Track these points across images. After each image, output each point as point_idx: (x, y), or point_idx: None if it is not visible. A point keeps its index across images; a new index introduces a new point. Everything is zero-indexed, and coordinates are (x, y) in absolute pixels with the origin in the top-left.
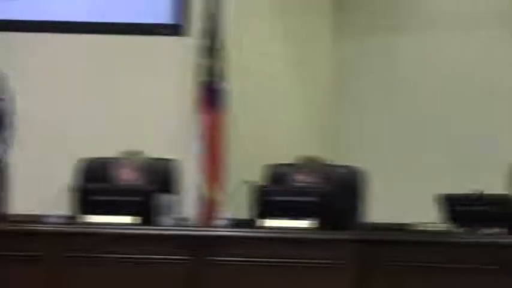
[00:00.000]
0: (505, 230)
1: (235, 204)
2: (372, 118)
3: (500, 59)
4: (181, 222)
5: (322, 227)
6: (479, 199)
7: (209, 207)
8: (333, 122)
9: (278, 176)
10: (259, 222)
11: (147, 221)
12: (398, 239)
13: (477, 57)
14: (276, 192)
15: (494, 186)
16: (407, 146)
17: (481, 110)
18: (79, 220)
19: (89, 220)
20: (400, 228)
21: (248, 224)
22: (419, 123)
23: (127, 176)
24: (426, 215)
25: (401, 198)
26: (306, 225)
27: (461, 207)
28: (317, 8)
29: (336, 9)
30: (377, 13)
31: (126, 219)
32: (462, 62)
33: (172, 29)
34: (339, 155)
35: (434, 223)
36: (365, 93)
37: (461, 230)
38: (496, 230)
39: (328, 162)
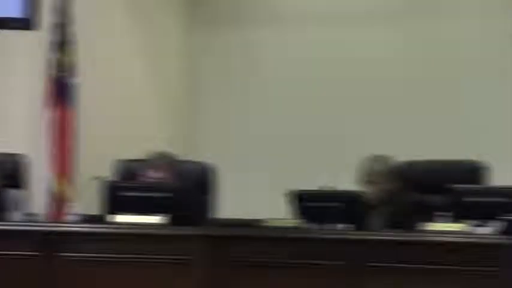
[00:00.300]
0: (352, 226)
1: (86, 200)
2: (227, 115)
3: (354, 58)
4: (30, 217)
5: (173, 222)
6: (328, 195)
7: (59, 203)
8: (187, 117)
9: (129, 171)
10: (110, 217)
11: None
12: (248, 234)
13: (334, 56)
14: (126, 188)
15: (347, 183)
16: (261, 143)
17: (332, 109)
18: None
19: None
20: (250, 224)
21: (98, 219)
22: (274, 120)
23: None
24: (278, 211)
25: (254, 195)
26: (156, 221)
27: (311, 203)
28: (170, 1)
29: (189, 2)
30: (235, 7)
31: None
32: (319, 61)
33: (22, 23)
34: (191, 151)
35: (285, 219)
36: (220, 89)
37: (311, 225)
38: (344, 225)
39: (180, 158)
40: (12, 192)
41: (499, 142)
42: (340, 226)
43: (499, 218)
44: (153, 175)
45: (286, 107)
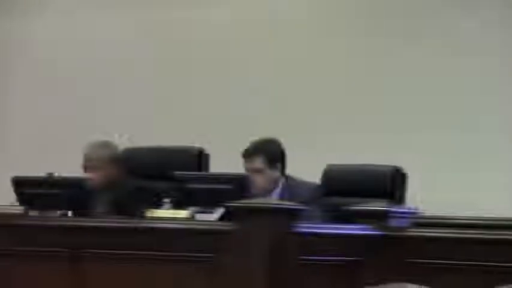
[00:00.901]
0: (73, 212)
1: None
2: None
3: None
4: None
5: None
6: (50, 181)
7: None
8: None
9: None
10: None
11: None
12: None
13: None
14: None
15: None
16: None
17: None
18: None
19: None
20: None
21: None
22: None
23: None
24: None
25: None
26: None
27: (31, 190)
28: None
29: None
30: None
31: None
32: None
33: None
34: None
35: (11, 206)
36: None
37: (31, 212)
38: (65, 212)
39: None
40: None
41: (218, 130)
42: (60, 212)
43: (221, 204)
44: None
45: (24, 93)
